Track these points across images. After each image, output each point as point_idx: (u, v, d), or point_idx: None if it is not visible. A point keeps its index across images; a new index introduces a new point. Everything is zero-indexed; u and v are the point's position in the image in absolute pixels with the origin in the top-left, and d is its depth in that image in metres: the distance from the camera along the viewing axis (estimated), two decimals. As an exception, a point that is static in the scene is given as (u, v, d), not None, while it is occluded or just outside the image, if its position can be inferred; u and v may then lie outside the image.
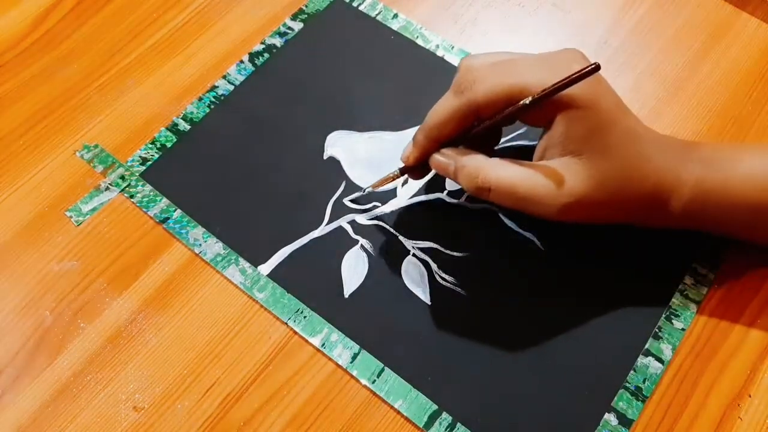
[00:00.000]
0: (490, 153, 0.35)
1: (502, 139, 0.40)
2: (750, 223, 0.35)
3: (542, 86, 0.31)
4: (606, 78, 0.34)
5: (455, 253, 0.38)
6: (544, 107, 0.32)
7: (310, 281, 0.38)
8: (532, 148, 0.35)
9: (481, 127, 0.34)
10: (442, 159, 0.35)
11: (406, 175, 0.38)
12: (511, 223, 0.39)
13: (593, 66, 0.30)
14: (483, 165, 0.34)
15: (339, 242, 0.39)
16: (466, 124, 0.34)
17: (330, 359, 0.36)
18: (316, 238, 0.39)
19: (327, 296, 0.37)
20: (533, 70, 0.32)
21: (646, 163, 0.33)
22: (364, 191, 0.39)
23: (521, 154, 0.35)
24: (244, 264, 0.38)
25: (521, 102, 0.32)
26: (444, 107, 0.34)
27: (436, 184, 0.41)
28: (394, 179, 0.38)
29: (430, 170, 0.37)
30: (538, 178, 0.33)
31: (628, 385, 0.35)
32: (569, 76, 0.31)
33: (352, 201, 0.40)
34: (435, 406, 0.35)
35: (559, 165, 0.33)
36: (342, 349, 0.36)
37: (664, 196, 0.34)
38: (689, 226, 0.36)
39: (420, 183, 0.40)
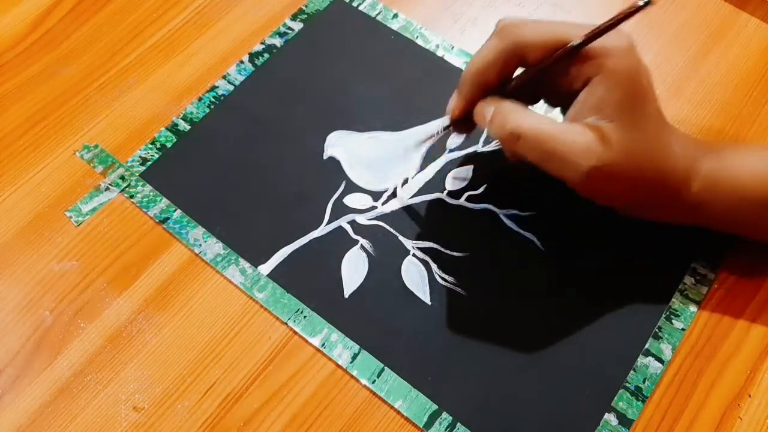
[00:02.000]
0: None
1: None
2: (752, 219, 0.35)
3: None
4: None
5: (455, 253, 0.38)
6: (587, 63, 0.32)
7: (310, 281, 0.38)
8: None
9: (526, 75, 0.33)
10: (484, 106, 0.34)
11: (451, 130, 0.37)
12: (511, 223, 0.39)
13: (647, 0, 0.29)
14: (517, 110, 0.33)
15: (339, 242, 0.39)
16: (509, 69, 0.33)
17: (330, 359, 0.36)
18: (316, 238, 0.39)
19: (327, 296, 0.37)
20: (575, 28, 0.32)
21: (667, 147, 0.33)
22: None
23: None
24: (244, 264, 0.38)
25: (570, 44, 0.31)
26: (488, 50, 0.33)
27: (436, 184, 0.41)
28: (440, 135, 0.37)
29: (475, 125, 0.35)
30: (569, 135, 0.32)
31: (628, 385, 0.35)
32: (621, 13, 0.30)
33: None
34: (435, 406, 0.35)
35: (591, 127, 0.32)
36: (342, 349, 0.36)
37: (678, 183, 0.34)
38: (696, 218, 0.36)
39: (420, 183, 0.40)
